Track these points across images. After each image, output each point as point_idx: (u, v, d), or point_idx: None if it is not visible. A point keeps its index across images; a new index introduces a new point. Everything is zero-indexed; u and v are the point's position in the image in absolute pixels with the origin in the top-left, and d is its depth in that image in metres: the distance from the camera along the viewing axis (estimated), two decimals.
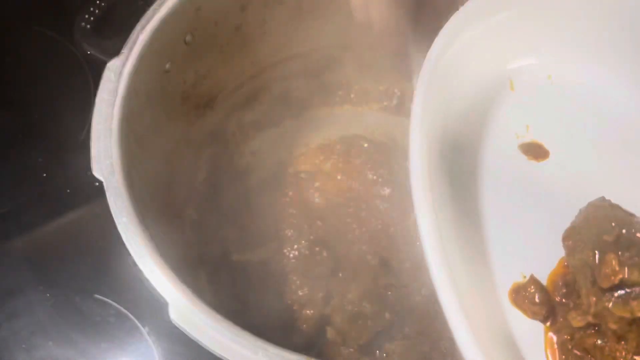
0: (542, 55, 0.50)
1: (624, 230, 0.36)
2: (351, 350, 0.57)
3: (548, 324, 0.39)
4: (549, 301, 0.39)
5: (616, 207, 0.38)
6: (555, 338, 0.38)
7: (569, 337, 0.38)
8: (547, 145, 0.47)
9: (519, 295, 0.40)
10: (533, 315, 0.39)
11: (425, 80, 0.42)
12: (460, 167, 0.45)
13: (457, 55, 0.46)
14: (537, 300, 0.39)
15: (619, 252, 0.35)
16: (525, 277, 0.40)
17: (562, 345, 0.38)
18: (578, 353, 0.37)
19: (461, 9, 0.46)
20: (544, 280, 0.40)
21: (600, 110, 0.48)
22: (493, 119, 0.48)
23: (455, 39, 0.45)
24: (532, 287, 0.39)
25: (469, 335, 0.33)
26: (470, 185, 0.44)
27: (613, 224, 0.36)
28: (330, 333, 0.57)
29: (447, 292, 0.35)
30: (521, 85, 0.49)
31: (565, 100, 0.49)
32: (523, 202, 0.44)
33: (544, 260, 0.41)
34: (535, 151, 0.46)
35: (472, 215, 0.43)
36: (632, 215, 0.38)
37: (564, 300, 0.39)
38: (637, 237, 0.36)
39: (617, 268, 0.35)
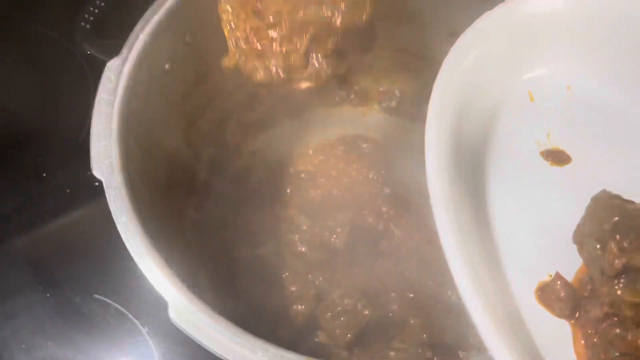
0: (557, 67, 0.51)
1: (616, 218, 0.37)
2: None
3: (574, 320, 0.39)
4: (575, 297, 0.39)
5: (614, 197, 0.39)
6: (581, 334, 0.39)
7: (593, 331, 0.38)
8: (569, 151, 0.47)
9: (545, 293, 0.40)
10: (560, 312, 0.39)
11: (440, 89, 0.43)
12: (478, 174, 0.46)
13: (472, 67, 0.47)
14: (562, 296, 0.39)
15: (618, 238, 0.36)
16: (551, 276, 0.41)
17: (587, 340, 0.38)
18: (604, 346, 0.37)
19: (475, 22, 0.47)
20: (571, 279, 0.41)
21: (619, 118, 0.49)
22: (512, 129, 0.49)
23: (469, 51, 0.47)
24: (558, 284, 0.40)
25: (500, 338, 0.34)
26: (491, 191, 0.45)
27: (611, 213, 0.37)
28: (321, 336, 0.58)
29: (472, 296, 0.36)
30: (540, 96, 0.50)
31: (585, 109, 0.49)
32: (548, 205, 0.45)
33: (571, 260, 0.41)
34: (558, 157, 0.47)
35: (494, 220, 0.44)
36: (630, 202, 0.38)
37: (590, 295, 0.40)
38: (636, 222, 0.36)
39: (618, 253, 0.35)
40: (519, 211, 0.44)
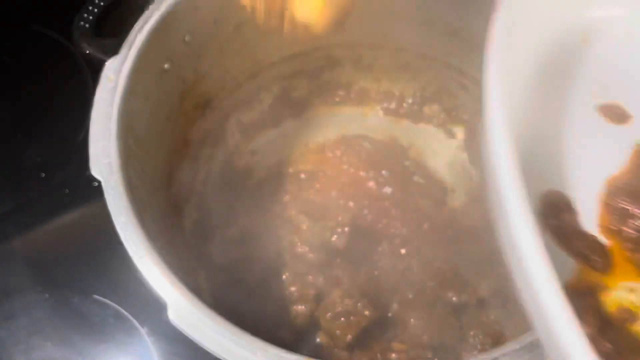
0: (628, 7, 0.42)
1: None
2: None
3: None
4: None
5: None
6: None
7: None
8: (628, 108, 0.41)
9: None
10: None
11: (500, 25, 0.35)
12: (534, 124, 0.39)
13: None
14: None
15: None
16: None
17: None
18: None
19: None
20: None
21: None
22: (567, 75, 0.41)
23: None
24: None
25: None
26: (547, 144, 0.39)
27: None
28: (321, 337, 0.58)
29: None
30: (597, 39, 0.42)
31: None
32: (601, 167, 0.39)
33: None
34: (615, 113, 0.41)
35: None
36: None
37: None
38: None
39: None
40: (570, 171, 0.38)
